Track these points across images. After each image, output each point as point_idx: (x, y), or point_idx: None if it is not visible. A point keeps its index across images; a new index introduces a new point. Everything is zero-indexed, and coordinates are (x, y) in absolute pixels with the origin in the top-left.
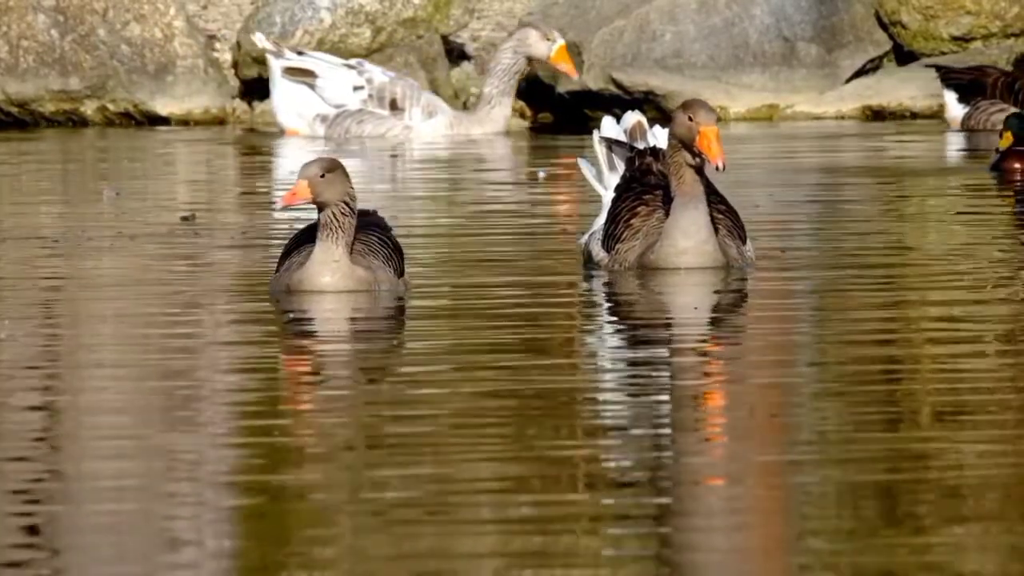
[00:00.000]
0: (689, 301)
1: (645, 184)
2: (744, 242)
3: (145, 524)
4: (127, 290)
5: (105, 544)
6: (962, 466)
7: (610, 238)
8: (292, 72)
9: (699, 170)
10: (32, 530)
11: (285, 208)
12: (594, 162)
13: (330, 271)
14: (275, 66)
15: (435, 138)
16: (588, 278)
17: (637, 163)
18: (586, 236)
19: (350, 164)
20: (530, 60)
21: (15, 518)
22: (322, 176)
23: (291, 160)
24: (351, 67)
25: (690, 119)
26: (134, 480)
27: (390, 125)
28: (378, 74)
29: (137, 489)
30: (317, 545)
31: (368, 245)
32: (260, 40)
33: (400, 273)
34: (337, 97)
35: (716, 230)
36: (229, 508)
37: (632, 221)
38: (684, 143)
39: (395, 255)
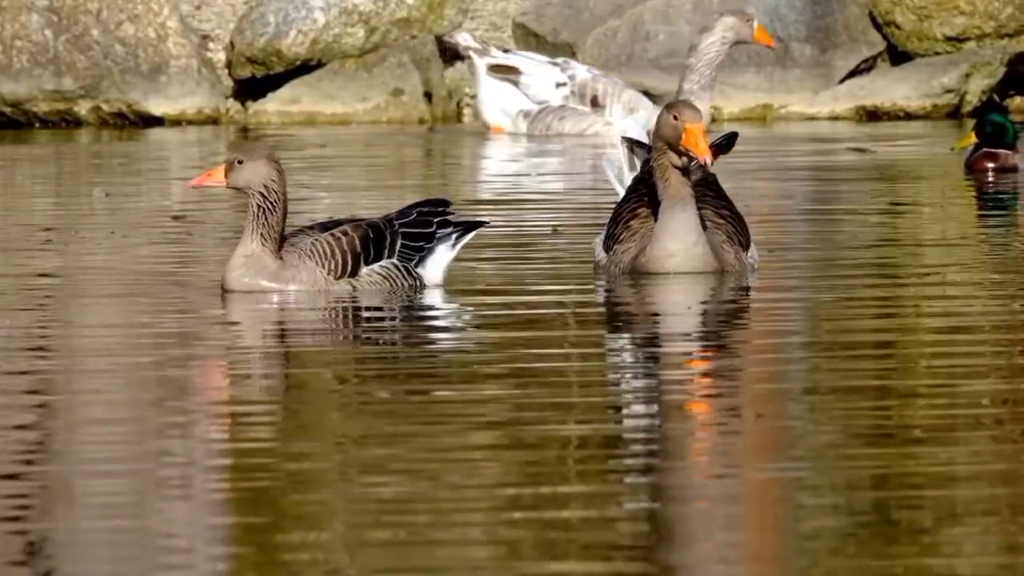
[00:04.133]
0: (677, 307)
1: (651, 185)
2: (746, 248)
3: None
4: (116, 289)
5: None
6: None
7: (610, 239)
8: (497, 69)
9: (685, 171)
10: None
11: (194, 188)
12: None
13: (239, 266)
14: (479, 64)
15: (636, 134)
16: (588, 283)
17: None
18: (598, 238)
19: (552, 159)
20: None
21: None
22: (239, 162)
23: (494, 157)
24: (555, 64)
25: (675, 118)
26: (123, 477)
27: (591, 121)
28: (581, 71)
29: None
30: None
31: (315, 242)
32: (465, 39)
33: (343, 274)
34: (540, 94)
35: (715, 235)
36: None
37: (631, 223)
38: (670, 144)
39: (347, 257)
